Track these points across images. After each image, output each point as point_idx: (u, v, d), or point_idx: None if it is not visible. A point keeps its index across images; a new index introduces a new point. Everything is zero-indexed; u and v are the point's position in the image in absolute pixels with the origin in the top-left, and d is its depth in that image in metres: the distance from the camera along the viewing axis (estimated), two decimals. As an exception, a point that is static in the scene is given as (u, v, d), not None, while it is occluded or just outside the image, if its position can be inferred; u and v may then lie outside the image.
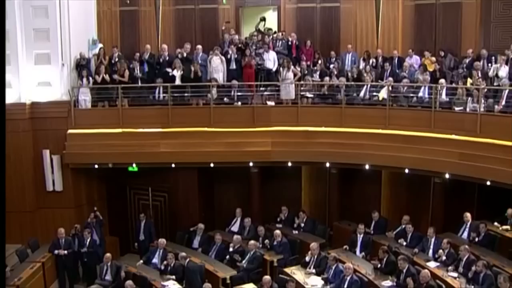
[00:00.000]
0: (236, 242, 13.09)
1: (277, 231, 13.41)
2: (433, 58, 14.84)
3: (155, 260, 12.92)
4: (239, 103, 14.35)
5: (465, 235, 13.11)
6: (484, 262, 11.00)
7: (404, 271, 11.23)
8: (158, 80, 14.55)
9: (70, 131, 14.13)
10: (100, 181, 15.15)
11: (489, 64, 14.04)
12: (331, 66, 15.48)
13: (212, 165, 14.02)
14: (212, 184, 15.34)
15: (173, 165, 13.99)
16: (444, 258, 11.94)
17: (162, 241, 13.13)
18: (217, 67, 14.73)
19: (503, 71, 13.53)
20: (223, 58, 14.97)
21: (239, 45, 15.46)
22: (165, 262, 12.34)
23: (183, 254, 12.29)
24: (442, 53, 15.28)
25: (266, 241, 13.30)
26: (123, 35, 16.82)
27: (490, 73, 13.75)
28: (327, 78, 14.89)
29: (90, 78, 14.37)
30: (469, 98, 12.91)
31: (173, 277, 11.90)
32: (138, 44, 16.66)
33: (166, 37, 16.97)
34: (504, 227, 12.99)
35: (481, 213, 13.66)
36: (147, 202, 15.23)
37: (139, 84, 14.58)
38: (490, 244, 12.52)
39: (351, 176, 15.09)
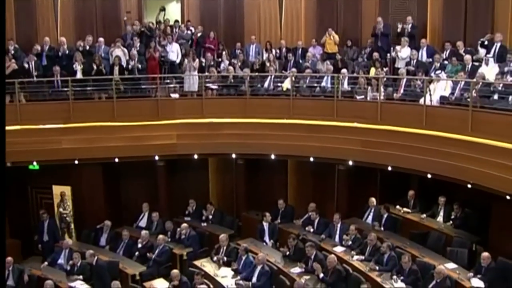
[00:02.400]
0: (144, 237, 12.89)
1: (184, 224, 13.35)
2: (336, 36, 15.22)
3: (60, 261, 12.47)
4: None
5: (369, 219, 13.58)
6: (388, 244, 11.44)
7: (312, 257, 11.48)
8: (55, 69, 14.03)
9: (-37, 130, 13.40)
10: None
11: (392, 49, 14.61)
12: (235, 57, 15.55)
13: (116, 160, 13.72)
14: (118, 179, 15.01)
15: (76, 162, 13.55)
16: (350, 243, 12.30)
17: (67, 241, 12.71)
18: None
19: (405, 52, 14.08)
20: (126, 50, 14.67)
21: (142, 29, 15.19)
22: (71, 262, 11.99)
23: (91, 251, 11.96)
24: (350, 43, 15.71)
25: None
26: (18, 27, 16.03)
27: (393, 54, 14.30)
28: (231, 69, 14.91)
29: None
30: (369, 87, 13.31)
31: (80, 277, 11.56)
32: (35, 36, 15.99)
33: (66, 29, 16.39)
34: (405, 209, 13.55)
35: (384, 197, 14.16)
36: (50, 201, 14.69)
37: (35, 78, 13.96)
38: (393, 227, 13.03)
39: (257, 166, 15.23)
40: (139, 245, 12.88)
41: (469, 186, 11.09)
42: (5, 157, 10.52)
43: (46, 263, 12.38)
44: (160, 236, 12.79)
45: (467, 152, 10.94)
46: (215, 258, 12.17)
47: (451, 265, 10.98)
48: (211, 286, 10.79)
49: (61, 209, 14.36)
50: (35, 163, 13.56)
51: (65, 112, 13.46)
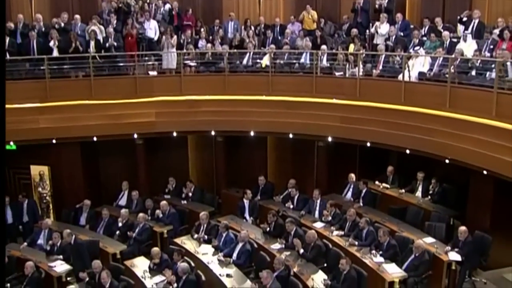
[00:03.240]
0: (124, 216, 12.85)
1: (163, 202, 13.34)
2: (314, 13, 15.17)
3: (40, 241, 12.38)
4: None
5: (349, 195, 13.71)
6: (366, 219, 11.58)
7: (292, 233, 11.57)
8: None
9: None
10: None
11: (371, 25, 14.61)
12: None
13: (95, 139, 13.60)
14: (97, 158, 14.91)
15: (54, 141, 13.41)
16: (329, 218, 12.40)
17: (47, 221, 12.66)
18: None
19: (384, 29, 14.10)
20: (102, 28, 14.46)
21: (120, 5, 14.99)
22: (50, 242, 11.93)
23: (67, 231, 11.88)
24: (323, 21, 15.66)
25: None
26: (-10, 4, 15.69)
27: (372, 30, 14.33)
28: (209, 46, 14.78)
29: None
30: (348, 64, 13.31)
31: (60, 257, 11.50)
32: (9, 13, 15.62)
33: (41, 5, 16.07)
34: (384, 185, 13.68)
35: (363, 173, 14.29)
36: (28, 182, 14.54)
37: (8, 56, 13.68)
38: (372, 202, 13.16)
39: (237, 143, 15.26)
40: (119, 224, 12.84)
41: (447, 161, 11.21)
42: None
43: (25, 243, 12.27)
44: (140, 215, 12.74)
45: (445, 128, 11.04)
46: (195, 236, 12.20)
47: (429, 239, 11.16)
48: (192, 263, 10.79)
49: (40, 189, 14.26)
50: (12, 143, 13.35)
51: (41, 91, 13.26)
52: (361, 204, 13.08)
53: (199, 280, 10.21)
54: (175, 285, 9.93)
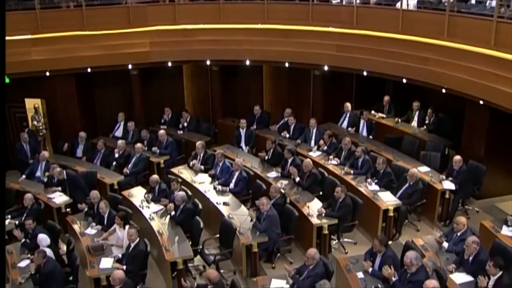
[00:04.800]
0: (121, 147, 12.93)
1: (161, 131, 13.36)
2: None
3: (38, 173, 12.47)
4: None
5: (345, 124, 13.73)
6: (362, 148, 11.65)
7: (290, 161, 11.66)
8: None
9: None
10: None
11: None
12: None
13: (89, 70, 13.41)
14: (92, 90, 14.74)
15: (47, 73, 13.21)
16: (326, 147, 12.47)
17: (43, 153, 12.69)
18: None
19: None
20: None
21: None
22: (46, 174, 12.04)
23: (58, 169, 11.80)
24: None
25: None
26: None
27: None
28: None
29: None
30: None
31: (59, 188, 11.62)
32: None
33: None
34: (380, 114, 13.69)
35: (359, 102, 14.25)
36: (23, 115, 14.47)
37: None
38: (368, 131, 13.21)
39: (232, 73, 15.16)
40: (116, 155, 12.95)
41: (443, 91, 11.14)
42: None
43: (23, 176, 12.35)
44: (137, 145, 12.81)
45: (442, 57, 10.89)
46: (191, 163, 12.29)
47: (424, 168, 11.30)
48: (189, 192, 10.92)
49: (35, 122, 14.22)
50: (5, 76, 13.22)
51: (32, 22, 12.96)
52: (358, 133, 13.21)
53: (196, 208, 10.36)
54: (173, 213, 10.07)
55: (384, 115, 13.66)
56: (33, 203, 10.69)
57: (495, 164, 11.05)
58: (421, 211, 10.94)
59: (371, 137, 13.18)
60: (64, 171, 11.78)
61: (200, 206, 10.47)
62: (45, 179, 12.01)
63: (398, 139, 12.71)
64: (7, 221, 10.49)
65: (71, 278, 9.03)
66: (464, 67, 10.45)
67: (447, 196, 10.74)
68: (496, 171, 11.13)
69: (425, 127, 12.99)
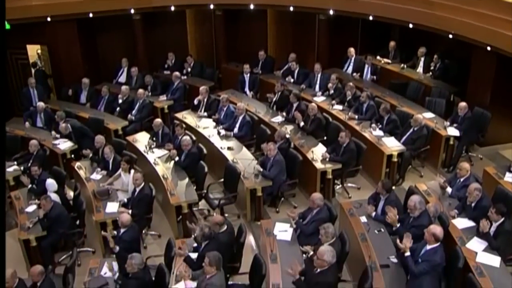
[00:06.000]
0: (124, 92, 12.89)
1: (176, 73, 13.35)
2: None
3: (39, 123, 12.47)
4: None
5: (349, 70, 13.63)
6: (367, 93, 11.57)
7: (294, 106, 11.63)
8: None
9: None
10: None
11: None
12: None
13: (91, 15, 13.24)
14: (94, 35, 14.61)
15: (48, 19, 13.04)
16: (331, 92, 12.41)
17: (39, 104, 12.52)
18: None
19: None
20: None
21: None
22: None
23: (67, 109, 11.84)
24: None
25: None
26: None
27: None
28: None
29: None
30: None
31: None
32: None
33: None
34: (386, 60, 13.57)
35: (365, 47, 14.10)
36: (26, 62, 14.36)
37: None
38: (372, 75, 13.15)
39: (236, 17, 14.97)
40: (120, 101, 12.92)
41: (450, 36, 10.98)
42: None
43: (27, 124, 12.34)
44: (140, 90, 12.78)
45: (449, 2, 10.70)
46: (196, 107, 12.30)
47: (429, 115, 11.25)
48: (193, 137, 10.94)
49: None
50: (6, 22, 13.05)
51: (31, -34, 12.76)
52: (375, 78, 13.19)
53: (201, 153, 10.39)
54: (177, 158, 10.12)
55: (389, 61, 13.54)
56: (38, 149, 10.75)
57: (500, 111, 10.97)
58: (425, 157, 10.93)
59: (374, 77, 13.12)
60: (69, 125, 11.64)
61: (205, 150, 10.50)
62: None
63: (403, 84, 12.63)
64: (12, 168, 10.58)
65: (78, 222, 9.16)
66: (472, 12, 10.28)
67: (451, 142, 10.72)
68: (500, 119, 11.06)
69: (430, 73, 12.87)
